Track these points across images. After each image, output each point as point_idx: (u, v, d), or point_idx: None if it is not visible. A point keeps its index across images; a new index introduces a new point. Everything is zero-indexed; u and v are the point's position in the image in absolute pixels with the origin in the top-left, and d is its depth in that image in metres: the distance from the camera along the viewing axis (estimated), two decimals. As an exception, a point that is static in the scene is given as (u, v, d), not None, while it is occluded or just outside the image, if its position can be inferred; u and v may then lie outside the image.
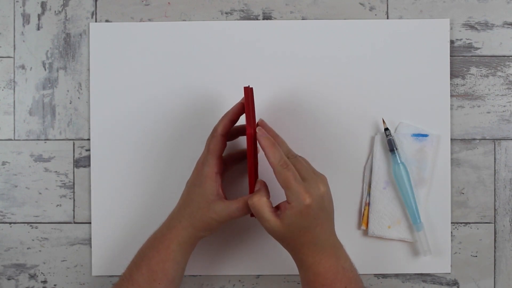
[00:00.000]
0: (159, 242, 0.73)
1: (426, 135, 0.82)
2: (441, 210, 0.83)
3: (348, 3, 0.84)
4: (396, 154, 0.81)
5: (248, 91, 0.72)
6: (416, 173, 0.82)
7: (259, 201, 0.68)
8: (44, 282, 0.84)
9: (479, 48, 0.84)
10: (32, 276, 0.84)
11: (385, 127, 0.81)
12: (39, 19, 0.84)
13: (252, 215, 0.71)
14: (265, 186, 0.71)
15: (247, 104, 0.70)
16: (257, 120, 0.76)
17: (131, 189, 0.83)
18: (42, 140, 0.84)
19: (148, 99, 0.83)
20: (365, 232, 0.83)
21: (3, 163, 0.84)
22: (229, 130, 0.73)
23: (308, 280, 0.71)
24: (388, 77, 0.83)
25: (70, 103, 0.84)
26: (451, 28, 0.84)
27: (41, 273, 0.84)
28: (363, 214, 0.83)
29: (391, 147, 0.81)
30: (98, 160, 0.83)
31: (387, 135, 0.81)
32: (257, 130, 0.69)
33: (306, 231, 0.68)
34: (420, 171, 0.82)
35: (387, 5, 0.84)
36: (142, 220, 0.83)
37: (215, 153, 0.72)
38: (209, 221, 0.72)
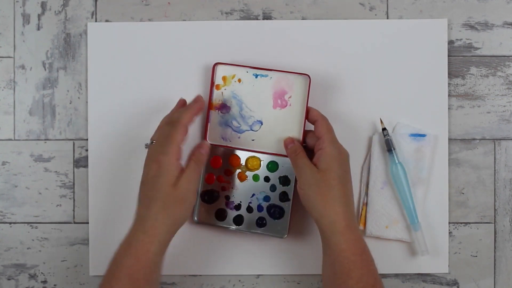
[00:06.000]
0: (136, 249, 0.70)
1: (424, 135, 0.82)
2: (439, 210, 0.83)
3: (348, 3, 0.84)
4: (394, 154, 0.81)
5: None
6: (414, 173, 0.82)
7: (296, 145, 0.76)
8: (44, 282, 0.84)
9: (479, 48, 0.84)
10: (32, 276, 0.84)
11: (383, 127, 0.81)
12: (39, 19, 0.85)
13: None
14: None
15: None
16: None
17: (129, 189, 0.83)
18: (42, 140, 0.84)
19: (147, 99, 0.83)
20: (363, 232, 0.83)
21: (3, 163, 0.84)
22: (192, 121, 0.75)
23: (340, 249, 0.71)
24: (387, 77, 0.83)
25: (70, 103, 0.84)
26: (450, 28, 0.84)
27: (41, 273, 0.84)
28: (361, 214, 0.83)
29: (388, 147, 0.81)
30: (96, 160, 0.83)
31: (384, 135, 0.81)
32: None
33: (344, 183, 0.73)
34: (417, 171, 0.82)
35: (387, 5, 0.84)
36: (141, 220, 0.83)
37: (178, 142, 0.73)
38: (183, 197, 0.72)
